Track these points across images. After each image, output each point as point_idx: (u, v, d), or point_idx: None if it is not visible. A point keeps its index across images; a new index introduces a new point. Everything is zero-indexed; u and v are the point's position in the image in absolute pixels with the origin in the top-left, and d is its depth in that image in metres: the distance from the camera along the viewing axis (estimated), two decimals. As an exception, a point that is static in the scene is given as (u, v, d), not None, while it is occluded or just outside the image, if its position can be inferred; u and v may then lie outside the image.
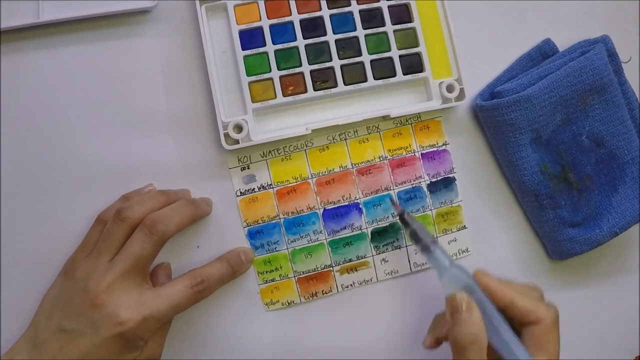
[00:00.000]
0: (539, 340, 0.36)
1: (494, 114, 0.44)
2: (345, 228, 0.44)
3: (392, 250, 0.45)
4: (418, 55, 0.45)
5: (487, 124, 0.45)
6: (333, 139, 0.45)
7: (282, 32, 0.43)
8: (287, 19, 0.43)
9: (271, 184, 0.44)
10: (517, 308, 0.36)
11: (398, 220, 0.44)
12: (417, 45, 0.45)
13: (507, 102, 0.43)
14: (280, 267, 0.44)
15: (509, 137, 0.44)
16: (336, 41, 0.44)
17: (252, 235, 0.44)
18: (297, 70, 0.43)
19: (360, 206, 0.45)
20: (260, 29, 0.43)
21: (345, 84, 0.43)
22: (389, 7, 0.45)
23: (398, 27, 0.45)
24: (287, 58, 0.43)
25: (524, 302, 0.37)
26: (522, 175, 0.44)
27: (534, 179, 0.44)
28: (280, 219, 0.44)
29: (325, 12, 0.44)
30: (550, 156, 0.45)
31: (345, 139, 0.45)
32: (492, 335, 0.36)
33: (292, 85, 0.43)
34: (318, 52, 0.44)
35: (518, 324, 0.37)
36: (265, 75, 0.43)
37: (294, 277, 0.44)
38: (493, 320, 0.36)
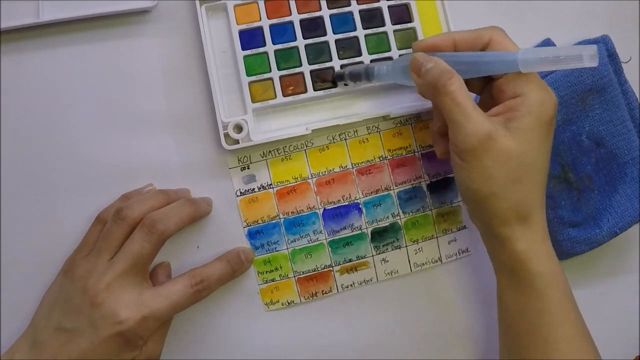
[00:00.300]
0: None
1: (494, 114, 0.44)
2: (345, 228, 0.44)
3: (392, 250, 0.45)
4: (418, 55, 0.45)
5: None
6: (333, 139, 0.45)
7: (282, 32, 0.43)
8: (287, 19, 0.43)
9: (271, 184, 0.44)
10: (461, 42, 0.37)
11: (334, 81, 0.43)
12: (417, 45, 0.45)
13: (507, 102, 0.43)
14: (280, 267, 0.44)
15: (508, 137, 0.44)
16: (336, 41, 0.44)
17: (252, 235, 0.44)
18: (297, 70, 0.43)
19: (360, 206, 0.45)
20: (260, 29, 0.43)
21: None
22: (389, 7, 0.45)
23: (398, 27, 0.45)
24: (287, 58, 0.43)
25: (464, 33, 0.37)
26: (522, 175, 0.44)
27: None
28: (280, 219, 0.44)
29: (325, 12, 0.44)
30: (551, 156, 0.45)
31: (345, 139, 0.45)
32: (467, 66, 0.35)
33: (292, 85, 0.43)
34: (318, 52, 0.44)
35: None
36: (265, 75, 0.43)
37: (294, 277, 0.44)
38: (456, 56, 0.36)
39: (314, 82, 0.43)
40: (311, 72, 0.43)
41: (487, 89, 0.38)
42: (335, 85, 0.43)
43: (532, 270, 0.36)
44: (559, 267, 0.37)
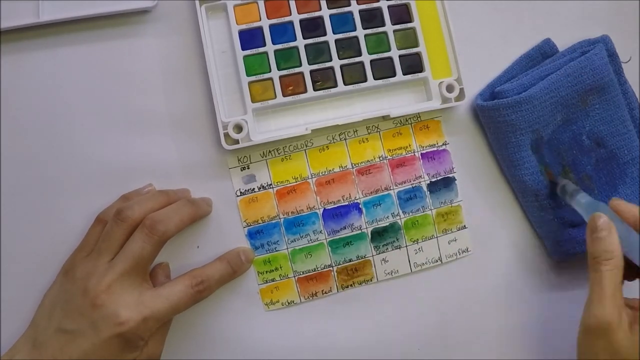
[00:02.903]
0: None
1: (495, 115, 0.44)
2: (345, 228, 0.44)
3: (392, 250, 0.45)
4: (418, 55, 0.45)
5: (488, 124, 0.45)
6: (333, 139, 0.45)
7: (282, 32, 0.43)
8: (287, 19, 0.43)
9: (271, 184, 0.44)
10: None
11: (558, 192, 0.44)
12: (417, 45, 0.45)
13: (508, 103, 0.43)
14: (280, 267, 0.44)
15: (509, 138, 0.44)
16: (336, 41, 0.44)
17: (252, 235, 0.44)
18: (297, 70, 0.43)
19: (360, 206, 0.45)
20: (260, 29, 0.43)
21: (345, 84, 0.43)
22: (388, 7, 0.45)
23: (398, 27, 0.45)
24: (287, 58, 0.43)
25: None
26: (522, 175, 0.44)
27: (534, 179, 0.44)
28: (280, 219, 0.44)
29: (325, 12, 0.44)
30: (551, 156, 0.45)
31: (345, 139, 0.45)
32: (630, 250, 0.37)
33: (292, 85, 0.43)
34: (318, 52, 0.44)
35: None
36: (265, 75, 0.43)
37: (294, 277, 0.44)
38: (630, 236, 0.37)
39: (314, 82, 0.43)
40: (311, 72, 0.43)
41: None
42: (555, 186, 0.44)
43: None
44: None
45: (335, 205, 0.44)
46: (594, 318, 0.36)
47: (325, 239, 0.44)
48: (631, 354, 0.35)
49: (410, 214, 0.45)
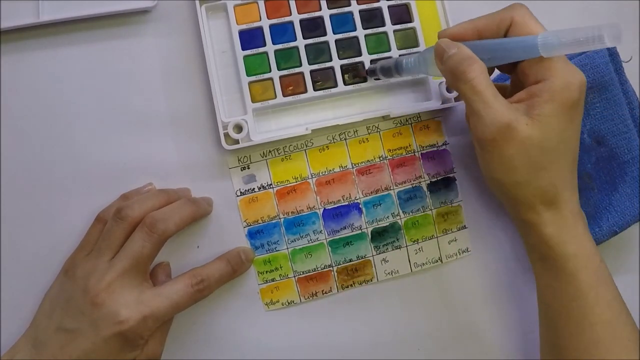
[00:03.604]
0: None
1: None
2: (345, 228, 0.44)
3: (392, 250, 0.45)
4: (418, 55, 0.45)
5: (488, 123, 0.45)
6: (333, 139, 0.45)
7: (282, 32, 0.43)
8: (287, 19, 0.43)
9: (271, 184, 0.44)
10: (485, 29, 0.36)
11: (367, 76, 0.43)
12: (417, 45, 0.45)
13: (508, 100, 0.43)
14: (280, 267, 0.44)
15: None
16: (336, 41, 0.44)
17: (252, 235, 0.44)
18: (297, 70, 0.43)
19: (360, 206, 0.45)
20: (260, 29, 0.43)
21: (345, 84, 0.43)
22: (389, 7, 0.45)
23: (398, 27, 0.45)
24: (287, 58, 0.43)
25: (486, 19, 0.36)
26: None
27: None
28: (280, 218, 0.44)
29: (325, 12, 0.44)
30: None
31: (345, 139, 0.45)
32: (493, 53, 0.35)
33: (292, 85, 0.43)
34: (318, 52, 0.44)
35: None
36: (265, 75, 0.43)
37: (294, 277, 0.44)
38: (482, 44, 0.35)
39: (314, 82, 0.43)
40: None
41: (516, 71, 0.37)
42: (365, 80, 0.44)
43: (561, 254, 0.36)
44: (592, 249, 0.37)
45: (336, 205, 0.44)
46: (490, 126, 0.33)
47: (326, 239, 0.44)
48: (547, 138, 0.34)
49: (411, 214, 0.45)
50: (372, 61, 0.44)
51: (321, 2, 0.44)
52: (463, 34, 0.37)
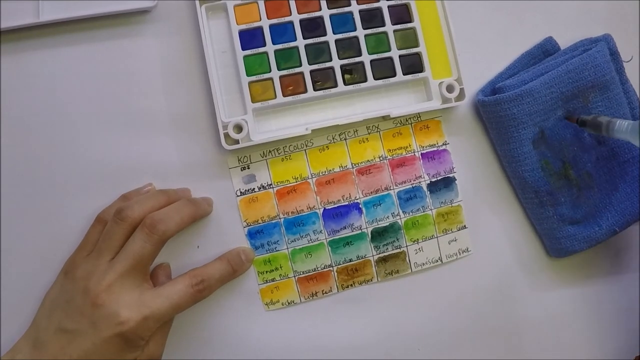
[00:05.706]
0: None
1: (496, 109, 0.44)
2: (345, 228, 0.44)
3: (392, 250, 0.45)
4: (418, 55, 0.45)
5: (489, 120, 0.45)
6: (333, 139, 0.45)
7: (282, 32, 0.43)
8: (287, 19, 0.43)
9: (271, 184, 0.44)
10: None
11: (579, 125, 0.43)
12: (417, 45, 0.45)
13: (509, 97, 0.43)
14: (280, 267, 0.44)
15: (511, 132, 0.44)
16: (336, 41, 0.44)
17: (252, 235, 0.44)
18: (297, 70, 0.43)
19: (360, 206, 0.45)
20: (260, 29, 0.43)
21: (345, 84, 0.43)
22: (389, 7, 0.45)
23: (398, 27, 0.45)
24: (287, 58, 0.43)
25: None
26: (523, 172, 0.44)
27: (534, 175, 0.44)
28: (280, 218, 0.44)
29: (325, 12, 0.44)
30: (552, 152, 0.45)
31: (345, 139, 0.45)
32: None
33: (292, 85, 0.43)
34: (318, 52, 0.44)
35: None
36: (265, 75, 0.43)
37: (294, 277, 0.44)
38: None
39: (314, 82, 0.43)
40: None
41: None
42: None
43: None
44: None
45: (336, 205, 0.44)
46: None
47: (326, 238, 0.44)
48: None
49: (411, 214, 0.45)
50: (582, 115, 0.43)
51: (321, 2, 0.44)
52: None
